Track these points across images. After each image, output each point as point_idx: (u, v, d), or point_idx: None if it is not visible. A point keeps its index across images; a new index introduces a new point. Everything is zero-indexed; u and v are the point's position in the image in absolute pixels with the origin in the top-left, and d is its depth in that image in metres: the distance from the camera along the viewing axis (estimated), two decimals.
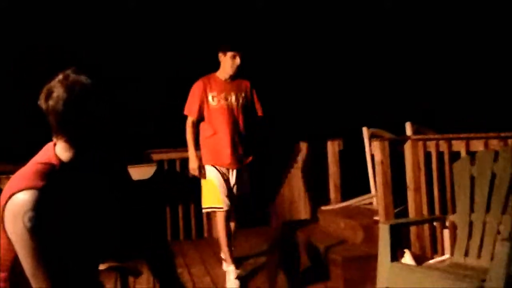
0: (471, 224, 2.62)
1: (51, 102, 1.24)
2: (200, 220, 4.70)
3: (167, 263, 1.58)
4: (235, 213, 3.49)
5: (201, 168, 3.37)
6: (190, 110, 3.38)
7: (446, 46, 6.05)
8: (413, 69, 6.13)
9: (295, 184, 4.66)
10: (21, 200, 1.16)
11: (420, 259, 2.91)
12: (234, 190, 3.41)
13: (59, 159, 1.28)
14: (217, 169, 3.37)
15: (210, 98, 3.33)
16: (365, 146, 4.09)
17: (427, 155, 3.32)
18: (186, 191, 4.49)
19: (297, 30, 5.94)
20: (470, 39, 5.93)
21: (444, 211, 3.15)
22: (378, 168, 3.36)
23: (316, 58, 6.07)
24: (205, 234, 4.74)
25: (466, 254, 2.59)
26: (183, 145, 4.88)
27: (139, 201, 1.56)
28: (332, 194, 4.42)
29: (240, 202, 3.49)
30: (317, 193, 4.50)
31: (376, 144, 3.39)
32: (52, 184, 1.21)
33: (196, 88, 3.35)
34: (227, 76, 3.35)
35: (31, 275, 1.17)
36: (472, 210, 2.63)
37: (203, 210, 3.53)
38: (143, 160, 4.22)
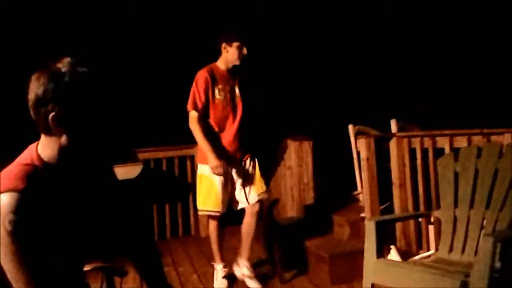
0: (455, 219, 2.65)
1: (34, 94, 1.22)
2: (187, 218, 4.69)
3: (153, 262, 1.57)
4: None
5: (224, 164, 3.00)
6: (197, 104, 3.02)
7: (433, 43, 6.10)
8: (399, 66, 6.17)
9: (283, 182, 4.67)
10: (1, 203, 1.14)
11: (405, 255, 2.94)
12: (239, 184, 3.16)
13: (42, 160, 1.26)
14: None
15: (216, 91, 3.04)
16: (351, 143, 4.12)
17: (412, 152, 3.35)
18: (172, 189, 4.48)
19: (284, 27, 5.95)
20: (457, 36, 5.99)
21: (429, 207, 3.19)
22: (363, 165, 3.38)
23: (306, 56, 6.07)
24: (192, 232, 4.73)
25: (451, 249, 2.63)
26: (170, 144, 4.94)
27: (125, 201, 1.54)
28: (318, 191, 4.43)
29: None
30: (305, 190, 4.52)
31: (361, 141, 3.41)
32: (34, 186, 1.18)
33: (203, 80, 3.02)
34: (230, 66, 3.10)
35: (12, 278, 1.14)
36: (456, 205, 2.66)
37: (200, 212, 3.29)
38: (129, 159, 4.18)
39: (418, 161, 3.32)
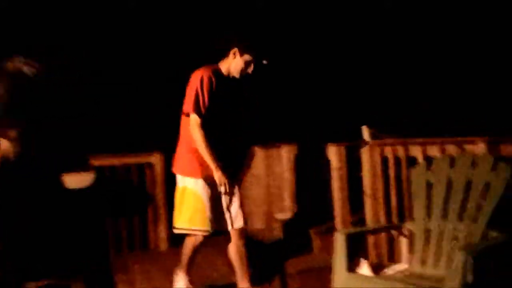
0: (428, 231, 2.71)
1: None
2: (145, 232, 4.60)
3: (106, 281, 1.52)
4: None
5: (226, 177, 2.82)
6: (200, 107, 2.78)
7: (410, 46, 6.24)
8: (376, 71, 6.27)
9: (250, 192, 4.66)
10: None
11: (377, 268, 2.97)
12: (225, 203, 2.93)
13: None
14: (207, 183, 2.89)
15: (216, 95, 2.83)
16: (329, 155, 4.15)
17: (385, 161, 3.41)
18: (129, 200, 4.38)
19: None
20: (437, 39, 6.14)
21: (402, 219, 3.25)
22: (334, 174, 3.42)
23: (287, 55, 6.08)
24: (151, 246, 4.65)
25: (423, 262, 2.68)
26: (127, 150, 4.86)
27: (75, 212, 1.50)
28: (287, 201, 4.45)
29: None
30: (273, 201, 4.52)
31: (332, 149, 3.45)
32: None
33: (208, 81, 2.78)
34: (229, 75, 2.90)
35: None
36: (429, 217, 2.72)
37: (177, 231, 3.00)
38: (80, 166, 4.08)
39: (391, 171, 3.38)
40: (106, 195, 4.87)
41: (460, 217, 2.61)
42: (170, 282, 3.64)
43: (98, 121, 5.24)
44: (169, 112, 5.40)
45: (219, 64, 2.90)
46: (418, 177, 2.83)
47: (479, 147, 2.84)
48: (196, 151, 2.87)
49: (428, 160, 2.95)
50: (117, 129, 5.19)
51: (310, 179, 4.47)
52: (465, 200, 2.61)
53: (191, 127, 2.83)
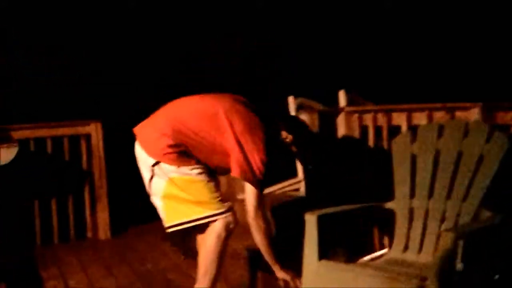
0: (411, 211, 2.71)
1: None
2: (81, 217, 4.51)
3: (31, 275, 1.44)
4: None
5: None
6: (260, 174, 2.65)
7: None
8: (351, 31, 6.29)
9: None
10: None
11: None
12: None
13: None
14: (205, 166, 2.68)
15: None
16: None
17: (364, 130, 3.39)
18: (60, 180, 4.26)
19: None
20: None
21: (382, 197, 3.24)
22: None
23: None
24: (89, 234, 4.58)
25: (406, 248, 2.68)
26: (56, 118, 4.70)
27: None
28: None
29: None
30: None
31: (303, 117, 3.40)
32: None
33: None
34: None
35: None
36: (413, 195, 2.72)
37: (183, 226, 2.62)
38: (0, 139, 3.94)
39: (371, 142, 3.36)
40: (30, 174, 4.73)
41: (449, 195, 2.61)
42: (111, 276, 3.57)
43: (20, 85, 5.11)
44: (105, 75, 5.36)
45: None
46: (401, 148, 2.81)
47: (472, 114, 2.84)
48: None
49: (414, 129, 2.92)
50: (44, 95, 5.04)
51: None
52: (454, 175, 2.60)
53: (255, 212, 2.68)
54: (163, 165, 2.59)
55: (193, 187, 2.61)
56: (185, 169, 2.59)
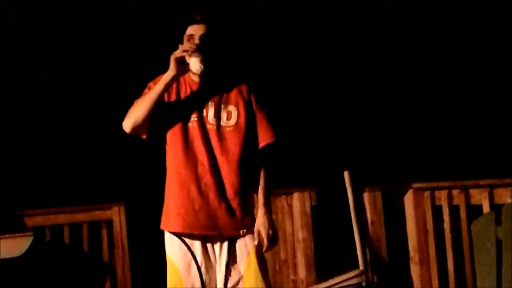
0: None
1: None
2: None
3: None
4: None
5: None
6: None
7: None
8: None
9: None
10: None
11: None
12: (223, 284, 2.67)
13: None
14: (184, 242, 2.71)
15: (176, 110, 2.73)
16: (349, 199, 4.22)
17: (436, 210, 3.48)
18: (79, 274, 4.41)
19: None
20: None
21: None
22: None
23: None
24: None
25: None
26: (73, 203, 4.94)
27: None
28: (302, 272, 4.48)
29: None
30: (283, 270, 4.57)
31: (364, 196, 3.51)
32: None
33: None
34: (197, 74, 2.73)
35: None
36: (499, 287, 2.76)
37: None
38: (11, 227, 4.14)
39: (446, 225, 3.44)
40: (46, 266, 4.88)
41: None
42: None
43: (36, 168, 5.37)
44: (129, 152, 5.55)
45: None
46: (483, 232, 2.89)
47: None
48: (168, 192, 2.73)
49: (497, 209, 3.01)
50: (61, 177, 5.28)
51: (334, 239, 4.52)
52: None
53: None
54: None
55: None
56: None
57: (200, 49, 2.64)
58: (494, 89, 6.17)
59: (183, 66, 2.62)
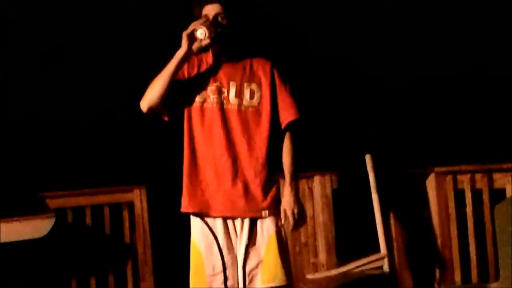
0: None
1: None
2: None
3: None
4: None
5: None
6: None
7: None
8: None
9: None
10: None
11: None
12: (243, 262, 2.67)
13: None
14: (205, 222, 2.72)
15: (195, 90, 2.73)
16: (371, 183, 4.22)
17: (459, 195, 3.46)
18: (101, 254, 4.46)
19: None
20: None
21: (484, 278, 3.28)
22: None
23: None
24: None
25: None
26: (95, 185, 4.96)
27: (26, 274, 1.58)
28: (323, 255, 4.49)
29: None
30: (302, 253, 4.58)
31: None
32: None
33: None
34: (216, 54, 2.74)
35: None
36: None
37: None
38: (33, 208, 4.18)
39: (468, 209, 3.43)
40: (68, 247, 4.92)
41: None
42: None
43: (56, 149, 5.43)
44: (150, 135, 5.60)
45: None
46: (505, 217, 2.87)
47: None
48: (186, 174, 2.75)
49: None
50: (84, 160, 5.33)
51: (355, 222, 4.52)
52: None
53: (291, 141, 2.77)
54: None
55: None
56: None
57: (212, 24, 2.61)
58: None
59: (193, 43, 2.59)
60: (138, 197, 4.69)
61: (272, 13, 5.84)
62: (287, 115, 2.71)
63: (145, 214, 4.68)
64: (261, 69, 2.76)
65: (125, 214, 4.69)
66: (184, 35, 2.59)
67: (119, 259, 4.64)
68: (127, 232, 4.68)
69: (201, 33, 2.56)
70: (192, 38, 2.57)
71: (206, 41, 2.57)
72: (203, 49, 2.68)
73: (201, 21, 2.61)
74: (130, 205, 4.68)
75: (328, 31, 6.41)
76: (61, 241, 4.24)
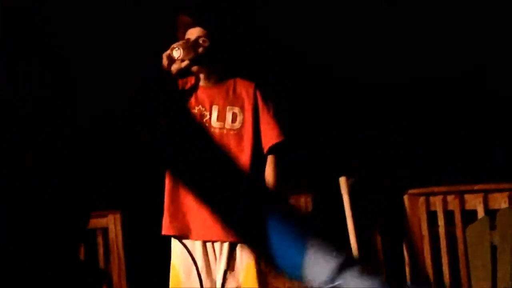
0: None
1: None
2: None
3: None
4: None
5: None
6: None
7: None
8: None
9: None
10: None
11: None
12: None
13: None
14: (184, 245, 2.71)
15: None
16: (345, 205, 4.23)
17: (431, 216, 3.51)
18: (74, 281, 4.43)
19: None
20: None
21: None
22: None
23: None
24: None
25: None
26: None
27: None
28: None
29: None
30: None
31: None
32: None
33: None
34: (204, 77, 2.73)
35: None
36: None
37: None
38: None
39: (441, 229, 3.47)
40: (39, 277, 4.92)
41: None
42: None
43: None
44: (125, 159, 5.54)
45: None
46: (478, 237, 2.92)
47: None
48: (167, 195, 2.75)
49: (492, 214, 3.04)
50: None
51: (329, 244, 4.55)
52: None
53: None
54: None
55: None
56: None
57: (192, 46, 2.61)
58: (492, 88, 6.17)
59: (172, 63, 2.54)
60: (112, 223, 4.65)
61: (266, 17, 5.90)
62: (269, 138, 2.70)
63: (120, 240, 4.64)
64: (245, 91, 2.74)
65: (99, 240, 4.66)
66: (163, 55, 2.57)
67: (94, 286, 4.60)
68: (101, 258, 4.64)
69: (177, 53, 2.55)
70: (170, 58, 2.55)
71: (185, 63, 2.53)
72: (190, 72, 2.66)
73: (181, 42, 2.62)
74: (105, 231, 4.65)
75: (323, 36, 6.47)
76: (32, 269, 4.18)
